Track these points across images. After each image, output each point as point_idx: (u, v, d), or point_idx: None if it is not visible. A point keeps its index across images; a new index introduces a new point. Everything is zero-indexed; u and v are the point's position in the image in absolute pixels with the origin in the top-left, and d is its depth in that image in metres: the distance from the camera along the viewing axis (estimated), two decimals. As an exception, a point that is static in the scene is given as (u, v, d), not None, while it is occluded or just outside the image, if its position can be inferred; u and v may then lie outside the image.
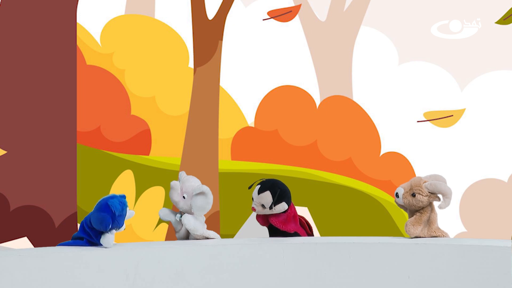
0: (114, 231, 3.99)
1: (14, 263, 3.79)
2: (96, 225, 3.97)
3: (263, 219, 4.46)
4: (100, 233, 3.99)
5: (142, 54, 5.91)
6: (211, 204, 4.32)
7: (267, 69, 6.01)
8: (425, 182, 4.20)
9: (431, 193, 4.18)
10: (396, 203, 4.29)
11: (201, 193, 4.29)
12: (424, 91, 5.98)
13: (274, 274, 4.16)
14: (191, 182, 4.38)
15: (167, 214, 4.44)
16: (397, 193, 4.23)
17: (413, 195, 4.19)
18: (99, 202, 4.00)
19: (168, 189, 5.57)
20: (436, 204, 4.23)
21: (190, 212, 4.34)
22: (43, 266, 3.82)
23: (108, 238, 3.97)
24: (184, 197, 4.35)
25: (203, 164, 5.83)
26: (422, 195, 4.18)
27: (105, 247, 3.99)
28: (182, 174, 4.46)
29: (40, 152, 5.62)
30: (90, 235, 4.01)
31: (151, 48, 5.93)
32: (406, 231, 4.20)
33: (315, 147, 5.97)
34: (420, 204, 4.20)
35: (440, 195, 4.18)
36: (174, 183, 4.39)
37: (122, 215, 3.98)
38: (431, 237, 4.24)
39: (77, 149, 5.70)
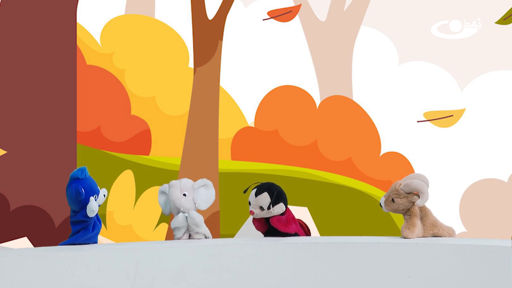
0: (92, 198, 4.00)
1: (14, 263, 3.79)
2: (74, 203, 4.01)
3: (259, 223, 4.45)
4: (85, 210, 4.02)
5: (142, 54, 5.91)
6: (214, 195, 4.37)
7: (267, 69, 6.01)
8: (400, 184, 4.24)
9: (408, 193, 4.21)
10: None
11: (204, 186, 4.31)
12: (424, 91, 5.98)
13: (274, 274, 4.16)
14: (186, 180, 4.40)
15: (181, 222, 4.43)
16: (380, 203, 4.30)
17: (392, 200, 4.23)
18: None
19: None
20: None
21: (193, 209, 4.35)
22: (43, 266, 3.82)
23: (91, 206, 4.00)
24: (184, 194, 4.35)
25: (203, 164, 5.83)
26: (400, 198, 4.22)
27: (91, 216, 4.00)
28: (166, 186, 4.46)
29: (40, 152, 5.62)
30: (81, 222, 4.03)
31: (151, 48, 5.93)
32: (404, 236, 4.21)
33: (315, 147, 5.97)
34: (402, 207, 4.23)
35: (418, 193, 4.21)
36: (172, 182, 4.40)
37: (87, 178, 4.04)
38: (431, 235, 4.25)
39: (77, 149, 5.70)
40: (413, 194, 4.21)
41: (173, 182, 4.41)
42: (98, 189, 4.08)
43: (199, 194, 4.34)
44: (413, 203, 4.23)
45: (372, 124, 5.99)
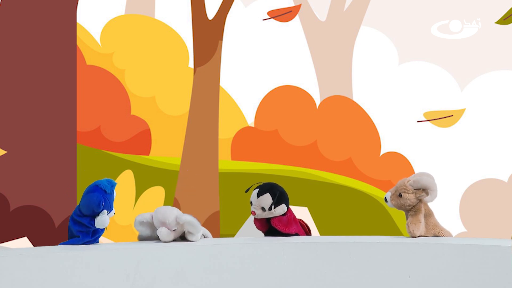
0: (106, 212, 4.00)
1: (14, 263, 3.79)
2: (88, 208, 3.99)
3: (260, 223, 4.45)
4: (92, 219, 4.00)
5: (142, 54, 5.91)
6: (197, 221, 4.25)
7: (267, 69, 6.01)
8: (409, 180, 4.25)
9: (416, 189, 4.22)
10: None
11: (187, 224, 4.20)
12: (424, 91, 5.98)
13: (274, 274, 4.16)
14: (166, 214, 4.23)
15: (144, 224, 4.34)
16: (385, 198, 4.30)
17: (400, 195, 4.24)
18: (87, 187, 4.04)
19: (168, 189, 5.57)
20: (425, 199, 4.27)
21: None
22: (43, 266, 3.82)
23: (103, 219, 3.99)
24: (174, 230, 4.25)
25: (203, 164, 5.83)
26: (408, 193, 4.23)
27: (98, 228, 4.00)
28: (143, 217, 4.35)
29: (40, 152, 5.62)
30: (83, 225, 4.02)
31: (151, 48, 5.93)
32: (409, 232, 4.21)
33: (315, 147, 5.97)
34: (408, 203, 4.24)
35: (426, 190, 4.22)
36: (159, 231, 4.22)
37: (112, 194, 4.03)
38: (432, 235, 4.26)
39: (77, 149, 5.70)
40: (421, 191, 4.22)
41: (159, 231, 4.24)
42: (113, 208, 4.08)
43: (187, 227, 4.23)
44: (420, 200, 4.24)
45: (372, 124, 5.99)
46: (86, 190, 4.07)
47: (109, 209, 4.03)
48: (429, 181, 4.21)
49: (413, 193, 4.24)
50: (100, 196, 4.00)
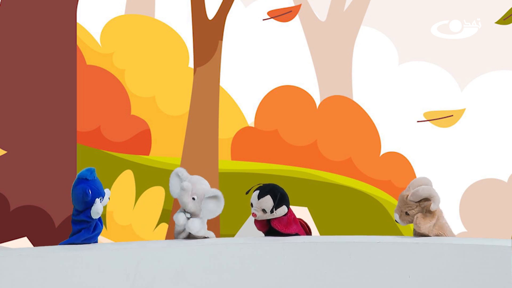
0: (98, 200, 4.00)
1: (14, 263, 3.79)
2: (79, 202, 3.99)
3: (260, 224, 4.45)
4: (89, 210, 4.01)
5: (142, 54, 5.91)
6: (222, 208, 4.28)
7: (267, 69, 6.01)
8: (407, 196, 4.23)
9: (418, 202, 4.21)
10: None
11: (214, 197, 4.24)
12: (424, 91, 5.98)
13: (274, 274, 4.16)
14: (202, 185, 4.33)
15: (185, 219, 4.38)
16: (396, 220, 4.30)
17: (406, 213, 4.23)
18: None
19: (168, 189, 5.56)
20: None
21: (197, 214, 4.30)
22: (43, 266, 3.82)
23: (96, 208, 3.99)
24: (194, 198, 4.32)
25: (203, 164, 5.83)
26: (413, 210, 4.22)
27: (95, 218, 4.00)
28: (184, 173, 4.40)
29: (40, 152, 5.62)
30: (83, 221, 4.03)
31: (151, 48, 5.93)
32: (415, 224, 4.21)
33: (315, 147, 5.97)
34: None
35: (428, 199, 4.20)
36: (186, 185, 4.31)
37: (95, 180, 4.03)
38: (435, 235, 4.25)
39: (77, 149, 5.70)
40: (424, 200, 4.20)
41: (186, 185, 4.31)
42: (104, 191, 4.07)
43: (207, 205, 4.27)
44: (426, 207, 4.22)
45: (372, 124, 5.99)
46: (72, 188, 4.08)
47: (100, 194, 4.03)
48: (427, 189, 4.19)
49: (417, 206, 4.23)
50: (84, 185, 4.00)
